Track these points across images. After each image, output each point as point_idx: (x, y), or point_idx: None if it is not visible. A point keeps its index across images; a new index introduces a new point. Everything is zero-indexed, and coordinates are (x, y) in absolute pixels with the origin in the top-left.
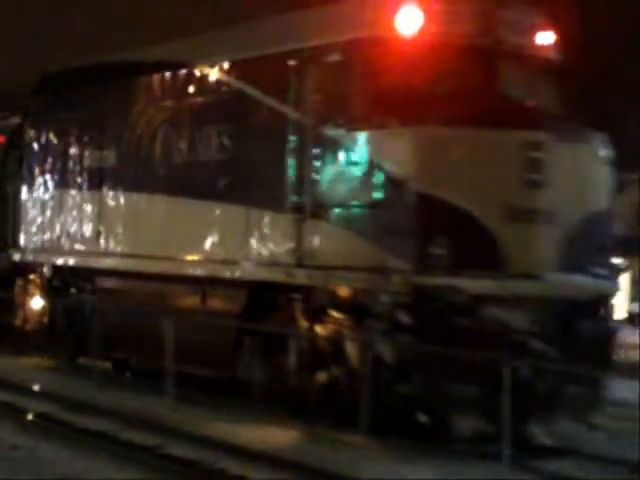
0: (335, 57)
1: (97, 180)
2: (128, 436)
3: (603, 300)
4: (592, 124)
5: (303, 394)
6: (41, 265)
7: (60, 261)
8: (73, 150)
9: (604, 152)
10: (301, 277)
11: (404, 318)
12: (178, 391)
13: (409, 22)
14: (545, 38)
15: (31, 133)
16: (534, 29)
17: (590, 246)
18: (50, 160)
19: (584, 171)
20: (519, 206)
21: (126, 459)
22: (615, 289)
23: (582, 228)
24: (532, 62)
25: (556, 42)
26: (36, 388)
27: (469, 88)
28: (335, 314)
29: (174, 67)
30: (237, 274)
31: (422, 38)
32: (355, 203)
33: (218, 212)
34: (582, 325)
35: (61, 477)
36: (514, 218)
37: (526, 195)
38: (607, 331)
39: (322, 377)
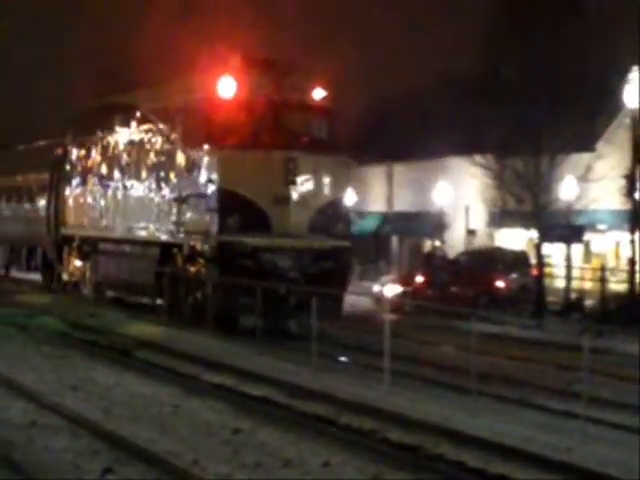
0: (189, 109)
1: (98, 185)
2: (345, 420)
3: (339, 250)
4: (342, 144)
5: (187, 305)
6: (74, 237)
7: (83, 233)
8: (90, 165)
9: (343, 162)
10: (178, 239)
11: (218, 260)
12: (393, 376)
13: (226, 88)
14: (319, 94)
15: (69, 152)
16: (310, 88)
17: (330, 219)
18: (79, 171)
19: (326, 173)
20: (280, 195)
21: (345, 443)
22: (346, 245)
23: (325, 208)
24: (307, 109)
25: (326, 97)
26: (251, 371)
27: (260, 126)
28: (195, 259)
29: (125, 110)
30: (154, 237)
31: (235, 97)
32: (197, 194)
33: (145, 205)
34: (325, 264)
35: (281, 461)
36: (278, 202)
37: (285, 189)
38: (342, 267)
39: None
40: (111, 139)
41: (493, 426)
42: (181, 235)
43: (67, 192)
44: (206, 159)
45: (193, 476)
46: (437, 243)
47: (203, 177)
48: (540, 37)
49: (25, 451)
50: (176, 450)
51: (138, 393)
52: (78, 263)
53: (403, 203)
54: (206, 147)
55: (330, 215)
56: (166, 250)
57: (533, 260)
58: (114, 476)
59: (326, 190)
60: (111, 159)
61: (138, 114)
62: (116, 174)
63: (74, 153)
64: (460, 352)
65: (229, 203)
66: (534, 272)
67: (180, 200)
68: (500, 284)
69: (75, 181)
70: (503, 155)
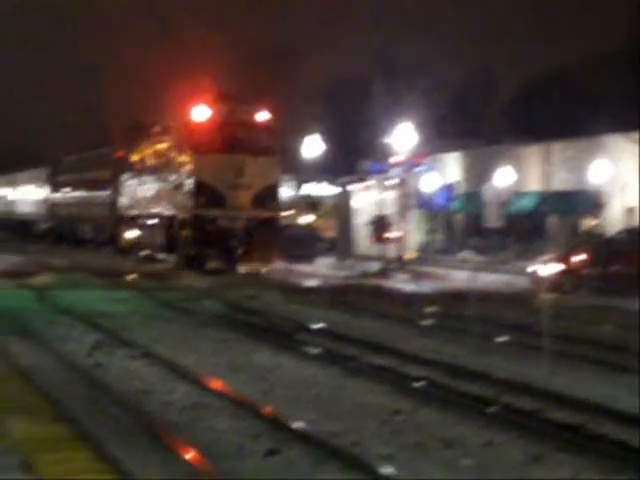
0: (179, 127)
1: (138, 178)
2: (506, 400)
3: (270, 218)
4: (275, 149)
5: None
6: (126, 215)
7: (129, 212)
8: (135, 165)
9: (276, 161)
10: (175, 212)
11: (193, 225)
12: (553, 356)
13: (201, 114)
14: (262, 116)
15: (124, 155)
16: (256, 112)
17: (265, 198)
18: (129, 169)
19: (265, 168)
20: (233, 183)
21: (506, 423)
22: (275, 215)
23: (262, 191)
24: (252, 126)
25: (270, 118)
26: (410, 352)
27: (221, 139)
28: (183, 225)
29: (151, 126)
30: (164, 212)
31: (206, 119)
32: (182, 183)
33: (159, 192)
34: (263, 227)
35: (442, 441)
36: (231, 188)
37: (236, 180)
38: (273, 230)
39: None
40: (144, 146)
41: None
42: (175, 210)
43: (121, 184)
44: (187, 160)
45: (355, 457)
46: (594, 221)
47: (186, 172)
48: None
49: (189, 432)
50: (337, 431)
51: (299, 375)
52: (129, 234)
53: (559, 182)
54: (188, 152)
55: (265, 195)
56: (170, 221)
57: None
58: (278, 457)
59: (262, 179)
60: (144, 161)
61: (157, 130)
62: (146, 171)
63: (126, 156)
64: (622, 331)
65: (200, 189)
66: None
67: (174, 187)
68: None
69: (126, 176)
70: None
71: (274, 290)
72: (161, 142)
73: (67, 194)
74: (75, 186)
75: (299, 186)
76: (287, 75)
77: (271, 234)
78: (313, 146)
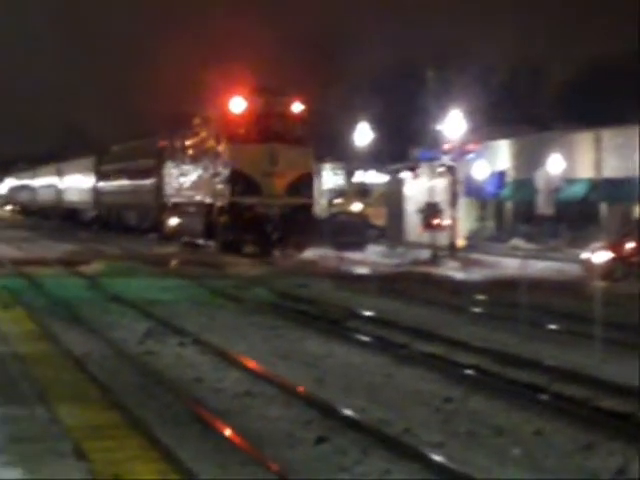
0: (216, 118)
1: (179, 167)
2: (557, 388)
3: (304, 205)
4: (309, 139)
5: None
6: (169, 203)
7: (172, 199)
8: (177, 155)
9: (310, 150)
10: (213, 200)
11: (230, 212)
12: (605, 344)
13: (238, 105)
14: (297, 107)
15: (166, 145)
16: (290, 103)
17: (299, 185)
18: (171, 158)
19: (299, 158)
20: (269, 172)
21: (556, 411)
22: (309, 201)
23: (295, 179)
24: (286, 117)
25: (304, 109)
26: (460, 340)
27: (257, 129)
28: (221, 212)
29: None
30: (204, 200)
31: (244, 111)
32: (219, 172)
33: (199, 180)
34: (298, 214)
35: (493, 429)
36: (266, 176)
37: (270, 168)
38: (307, 217)
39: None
40: (185, 136)
41: None
42: (213, 198)
43: (164, 173)
44: (224, 150)
45: (406, 444)
46: None
47: (223, 161)
48: None
49: (241, 420)
50: (388, 419)
51: (349, 362)
52: (172, 221)
53: (610, 169)
54: (224, 142)
55: (299, 183)
56: (209, 208)
57: None
58: (328, 445)
59: (296, 168)
60: (185, 150)
61: (197, 121)
62: (187, 160)
63: (169, 146)
64: None
65: (236, 177)
66: None
67: (212, 176)
68: None
69: (169, 165)
70: None
71: (324, 278)
72: (200, 132)
73: (113, 182)
74: (120, 175)
75: (350, 174)
76: (337, 63)
77: (305, 220)
78: (363, 134)
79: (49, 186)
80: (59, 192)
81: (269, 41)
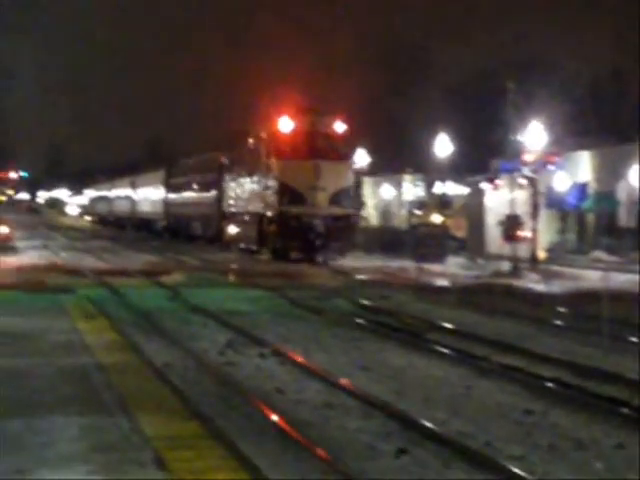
0: (267, 137)
1: (237, 181)
2: (638, 402)
3: (347, 215)
4: (349, 155)
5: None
6: (229, 213)
7: (230, 210)
8: (235, 169)
9: (350, 166)
10: (264, 210)
11: (278, 221)
12: None
13: (286, 125)
14: (339, 127)
15: (226, 160)
16: (333, 123)
17: (341, 197)
18: (230, 173)
19: (340, 172)
20: (313, 185)
21: (638, 425)
22: (353, 212)
23: (337, 192)
24: (329, 136)
25: (346, 129)
26: (541, 353)
27: (302, 147)
28: (270, 221)
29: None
30: (256, 210)
31: (291, 130)
32: (269, 185)
33: (253, 192)
34: (339, 223)
35: (574, 442)
36: (310, 189)
37: (315, 181)
38: (347, 226)
39: (268, 236)
40: (241, 152)
41: None
42: (264, 208)
43: (224, 186)
44: (273, 165)
45: (487, 457)
46: None
47: (272, 175)
48: None
49: (321, 431)
50: (468, 431)
51: (429, 374)
52: (231, 230)
53: None
54: (274, 159)
55: (340, 195)
56: (261, 217)
57: None
58: (408, 457)
59: (337, 182)
60: (241, 165)
61: (251, 138)
62: (243, 174)
63: (228, 161)
64: None
65: (284, 189)
66: None
67: (263, 188)
68: None
69: (228, 178)
70: None
71: (405, 290)
72: (254, 149)
73: (180, 194)
74: (187, 187)
75: (430, 185)
76: (418, 74)
77: (346, 229)
78: (443, 145)
79: (125, 197)
80: (133, 203)
81: (349, 59)
